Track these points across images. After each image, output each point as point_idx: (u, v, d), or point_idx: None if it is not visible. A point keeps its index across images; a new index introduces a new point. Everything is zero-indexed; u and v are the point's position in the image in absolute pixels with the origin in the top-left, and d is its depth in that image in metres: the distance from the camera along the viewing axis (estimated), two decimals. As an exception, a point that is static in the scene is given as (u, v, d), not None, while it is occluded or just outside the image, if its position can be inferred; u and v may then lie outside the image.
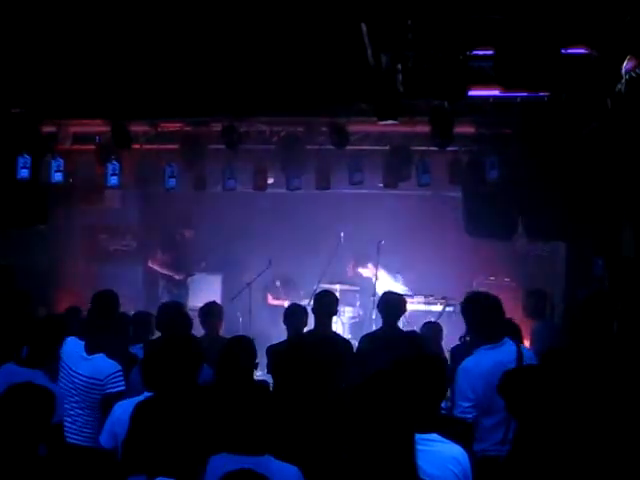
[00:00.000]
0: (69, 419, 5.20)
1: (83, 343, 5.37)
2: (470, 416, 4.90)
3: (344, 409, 2.97)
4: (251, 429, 3.59)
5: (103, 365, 5.24)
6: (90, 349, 5.32)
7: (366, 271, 10.89)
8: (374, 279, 10.65)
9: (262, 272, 11.16)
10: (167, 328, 6.20)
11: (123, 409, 4.60)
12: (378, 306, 7.16)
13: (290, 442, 3.95)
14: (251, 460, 3.41)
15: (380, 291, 9.98)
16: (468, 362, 5.12)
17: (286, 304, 11.14)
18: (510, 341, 5.17)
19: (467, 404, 4.92)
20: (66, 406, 5.23)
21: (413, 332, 7.34)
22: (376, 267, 10.64)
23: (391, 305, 6.95)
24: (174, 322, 6.20)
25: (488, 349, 5.08)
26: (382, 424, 2.82)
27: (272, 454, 3.59)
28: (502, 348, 5.06)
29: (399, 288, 10.67)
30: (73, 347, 5.41)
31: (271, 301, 11.45)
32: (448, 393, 4.67)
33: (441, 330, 7.11)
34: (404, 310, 7.15)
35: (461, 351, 6.21)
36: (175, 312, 6.57)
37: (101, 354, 5.28)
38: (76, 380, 5.26)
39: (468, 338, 6.36)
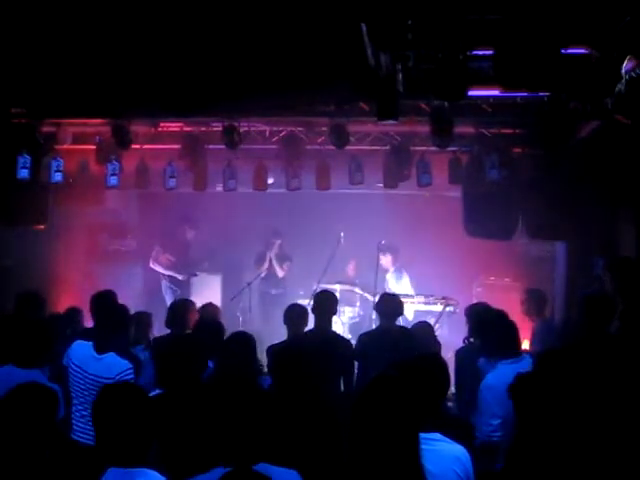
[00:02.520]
0: (82, 420, 5.21)
1: (91, 344, 5.40)
2: (498, 434, 4.86)
3: (347, 412, 2.97)
4: (242, 439, 3.47)
5: (114, 363, 5.25)
6: (100, 349, 5.34)
7: (385, 259, 10.83)
8: (390, 270, 10.74)
9: (259, 274, 11.21)
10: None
11: None
12: (375, 307, 7.16)
13: (290, 444, 3.94)
14: None
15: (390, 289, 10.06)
16: (490, 379, 5.13)
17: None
18: (528, 356, 5.32)
19: (497, 421, 4.88)
20: (79, 407, 5.27)
21: (405, 328, 7.36)
22: (377, 267, 10.63)
23: (388, 306, 6.95)
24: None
25: (509, 363, 5.15)
26: (388, 428, 2.82)
27: (266, 460, 3.45)
28: (521, 363, 5.12)
29: (406, 287, 10.73)
30: (82, 349, 5.43)
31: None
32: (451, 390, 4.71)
33: (431, 327, 7.11)
34: (401, 311, 7.16)
35: (466, 353, 6.22)
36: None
37: (111, 353, 5.30)
38: (88, 381, 5.27)
39: (472, 339, 6.39)
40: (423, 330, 6.88)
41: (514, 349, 5.34)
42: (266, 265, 11.47)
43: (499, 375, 5.06)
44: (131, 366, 5.24)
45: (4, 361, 5.09)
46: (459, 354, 6.28)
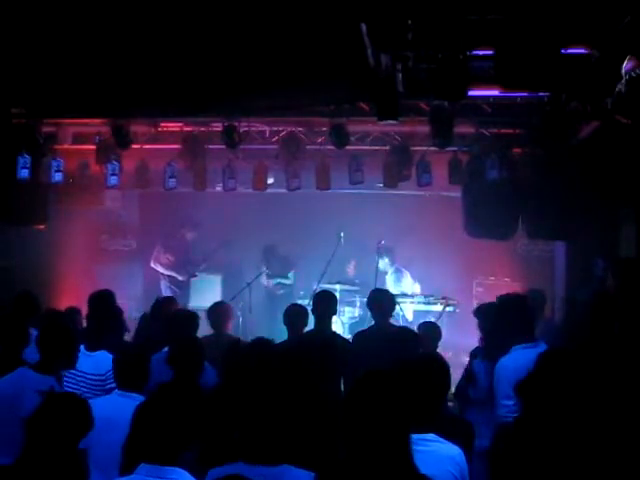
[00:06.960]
0: None
1: (81, 345, 5.39)
2: (515, 415, 4.82)
3: (341, 409, 2.97)
4: (269, 439, 3.43)
5: (104, 360, 5.24)
6: (91, 346, 5.34)
7: (382, 262, 10.83)
8: (388, 271, 10.78)
9: (260, 274, 11.22)
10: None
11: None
12: (368, 304, 7.11)
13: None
14: (268, 470, 3.30)
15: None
16: (504, 361, 5.23)
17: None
18: (543, 343, 5.31)
19: (510, 402, 4.90)
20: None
21: (406, 327, 7.33)
22: (376, 267, 10.65)
23: (381, 304, 6.88)
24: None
25: (522, 348, 5.19)
26: (375, 423, 2.82)
27: (290, 463, 3.43)
28: (537, 349, 5.06)
29: (408, 286, 10.73)
30: None
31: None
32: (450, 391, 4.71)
33: (435, 329, 7.06)
34: (394, 306, 7.07)
35: (481, 352, 6.19)
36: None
37: (102, 350, 5.29)
38: (80, 379, 5.28)
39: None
40: (425, 330, 6.86)
41: (528, 334, 5.35)
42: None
43: (513, 357, 5.16)
44: None
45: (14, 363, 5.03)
46: (475, 353, 6.25)
